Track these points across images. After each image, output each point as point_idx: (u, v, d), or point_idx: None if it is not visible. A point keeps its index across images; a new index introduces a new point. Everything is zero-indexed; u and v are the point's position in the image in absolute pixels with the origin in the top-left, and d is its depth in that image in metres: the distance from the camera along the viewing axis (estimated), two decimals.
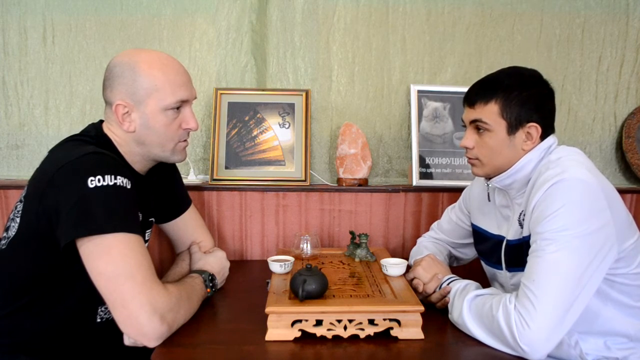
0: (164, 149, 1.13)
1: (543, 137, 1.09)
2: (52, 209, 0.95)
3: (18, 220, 1.04)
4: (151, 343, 0.94)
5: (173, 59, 1.14)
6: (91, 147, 1.03)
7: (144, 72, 1.06)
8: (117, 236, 0.93)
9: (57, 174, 0.96)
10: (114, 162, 1.01)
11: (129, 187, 0.98)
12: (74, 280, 1.03)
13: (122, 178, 0.97)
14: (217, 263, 1.28)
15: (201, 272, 1.20)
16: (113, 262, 0.92)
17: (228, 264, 1.33)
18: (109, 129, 1.12)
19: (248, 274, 1.49)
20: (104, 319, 1.13)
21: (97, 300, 0.97)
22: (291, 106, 1.76)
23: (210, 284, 1.19)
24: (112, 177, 0.95)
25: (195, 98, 1.17)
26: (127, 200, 0.98)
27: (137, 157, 1.14)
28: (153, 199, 1.25)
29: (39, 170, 1.05)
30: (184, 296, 1.04)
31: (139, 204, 1.09)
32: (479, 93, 1.10)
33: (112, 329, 1.02)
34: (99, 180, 0.93)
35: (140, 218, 1.15)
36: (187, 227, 1.39)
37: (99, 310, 1.12)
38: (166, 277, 1.23)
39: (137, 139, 1.10)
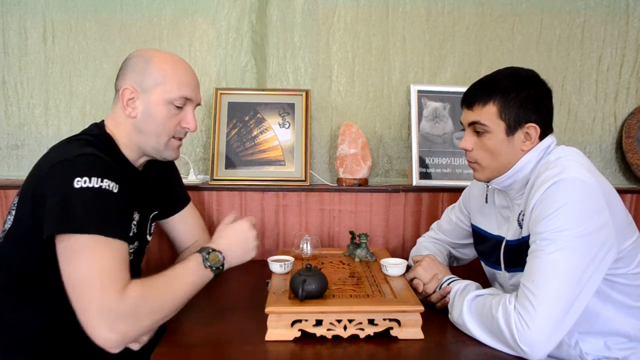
0: (159, 140, 1.14)
1: (542, 137, 1.09)
2: (40, 201, 0.97)
3: (14, 213, 1.07)
4: (111, 350, 0.90)
5: (187, 63, 1.18)
6: (89, 148, 1.04)
7: (156, 65, 1.11)
8: (92, 238, 0.92)
9: (49, 170, 0.98)
10: (106, 165, 1.02)
11: (115, 190, 0.98)
12: None
13: (109, 182, 0.97)
14: (234, 235, 1.12)
15: (203, 249, 1.07)
16: (79, 267, 0.91)
17: (252, 234, 1.14)
18: (110, 124, 1.14)
19: (248, 274, 1.48)
20: None
21: None
22: (291, 106, 1.76)
23: (211, 264, 1.03)
24: (99, 179, 0.96)
25: (199, 104, 1.20)
26: (110, 204, 0.97)
27: (134, 150, 1.15)
28: (152, 193, 1.26)
29: (36, 166, 1.07)
30: (153, 295, 0.94)
31: (135, 201, 1.12)
32: (476, 95, 1.10)
33: None
34: (84, 182, 0.94)
35: (137, 217, 1.15)
36: (187, 223, 1.39)
37: None
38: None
39: (137, 125, 1.12)
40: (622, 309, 1.07)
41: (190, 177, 1.73)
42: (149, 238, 1.29)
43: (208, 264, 1.03)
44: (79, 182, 0.94)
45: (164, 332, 1.03)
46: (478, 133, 1.11)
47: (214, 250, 1.05)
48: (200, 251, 1.04)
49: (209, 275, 1.03)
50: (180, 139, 1.19)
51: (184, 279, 1.00)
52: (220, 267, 1.05)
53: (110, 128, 1.14)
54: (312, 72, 1.80)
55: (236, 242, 1.11)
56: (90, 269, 0.90)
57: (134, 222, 1.15)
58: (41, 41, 1.75)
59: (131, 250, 1.17)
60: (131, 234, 1.14)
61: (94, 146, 1.06)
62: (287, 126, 1.75)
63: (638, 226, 1.10)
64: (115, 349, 0.90)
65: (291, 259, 1.26)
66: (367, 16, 1.80)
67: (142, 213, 1.19)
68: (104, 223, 0.94)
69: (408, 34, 1.81)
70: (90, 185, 0.95)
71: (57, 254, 0.94)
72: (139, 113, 1.11)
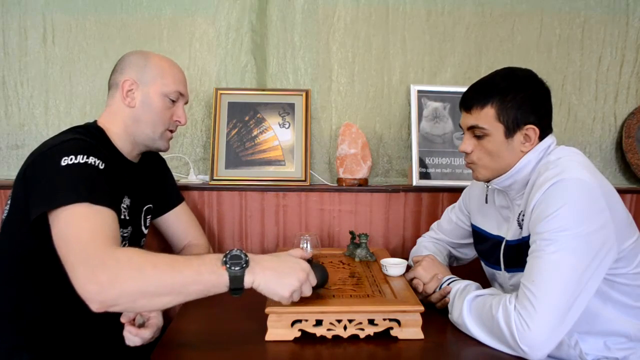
0: (155, 130, 1.21)
1: (541, 137, 1.09)
2: (31, 184, 1.00)
3: (9, 202, 1.10)
4: (92, 307, 0.85)
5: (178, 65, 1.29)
6: (77, 135, 1.08)
7: (155, 62, 1.22)
8: (81, 206, 0.93)
9: (39, 155, 1.03)
10: (92, 146, 1.06)
11: (101, 167, 1.02)
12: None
13: (95, 158, 1.02)
14: (279, 260, 0.93)
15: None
16: (69, 231, 0.91)
17: (301, 275, 0.91)
18: (104, 118, 1.20)
19: None
20: None
21: None
22: (291, 106, 1.76)
23: (228, 260, 0.86)
24: (84, 156, 1.00)
25: (187, 103, 1.30)
26: (97, 177, 1.00)
27: (126, 140, 1.20)
28: (145, 185, 1.29)
29: (30, 154, 1.10)
30: (144, 261, 0.86)
31: (125, 186, 1.16)
32: (474, 97, 1.10)
33: (111, 314, 1.03)
34: (71, 159, 0.98)
35: (128, 202, 1.19)
36: (181, 222, 1.43)
37: None
38: None
39: (135, 115, 1.19)
40: (622, 309, 1.07)
41: (190, 177, 1.73)
42: (144, 230, 1.32)
43: (225, 259, 0.86)
44: (66, 160, 0.98)
45: (164, 332, 1.03)
46: (477, 136, 1.11)
47: (241, 251, 0.88)
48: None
49: (222, 275, 0.85)
50: (172, 132, 1.28)
51: (191, 265, 0.86)
52: (239, 270, 0.85)
53: (103, 122, 1.21)
54: (312, 72, 1.80)
55: (276, 265, 0.90)
56: (80, 231, 0.90)
57: (125, 206, 1.18)
58: (41, 41, 1.75)
59: (125, 235, 1.20)
60: (122, 217, 1.16)
61: (83, 135, 1.10)
62: (287, 126, 1.75)
63: (638, 226, 1.10)
64: (94, 305, 0.83)
65: None
66: (367, 16, 1.80)
67: (134, 200, 1.22)
68: (91, 192, 0.95)
69: (408, 34, 1.81)
70: (77, 162, 0.98)
71: (51, 233, 0.94)
72: (138, 103, 1.19)
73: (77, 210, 0.92)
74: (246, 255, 0.88)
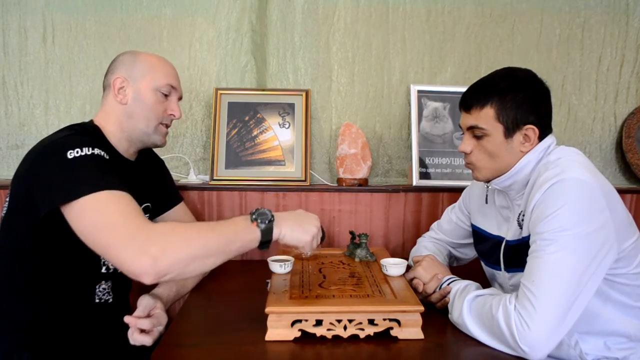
0: (149, 124, 1.21)
1: (541, 137, 1.09)
2: (34, 180, 1.00)
3: (8, 198, 1.10)
4: (146, 281, 0.87)
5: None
6: (75, 132, 1.09)
7: (144, 58, 1.22)
8: (102, 194, 0.93)
9: (40, 151, 1.03)
10: (93, 140, 1.07)
11: (107, 157, 1.03)
12: (66, 257, 1.05)
13: (100, 150, 1.03)
14: (296, 214, 1.09)
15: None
16: (97, 220, 0.92)
17: (316, 223, 1.07)
18: (99, 117, 1.21)
19: (248, 274, 1.49)
20: (102, 300, 1.15)
21: (93, 278, 0.99)
22: (291, 106, 1.76)
23: (257, 217, 0.98)
24: (89, 148, 1.01)
25: (181, 98, 1.29)
26: (105, 166, 1.01)
27: (122, 138, 1.20)
28: (143, 184, 1.29)
29: (25, 155, 1.10)
30: (185, 229, 0.94)
31: (126, 187, 1.15)
32: (474, 97, 1.10)
33: (111, 312, 1.03)
34: (77, 152, 0.99)
35: None
36: (180, 221, 1.41)
37: (97, 290, 1.14)
38: None
39: (128, 111, 1.19)
40: (622, 309, 1.07)
41: (190, 177, 1.73)
42: None
43: (254, 217, 0.97)
44: (72, 153, 0.98)
45: (164, 332, 1.03)
46: (477, 137, 1.11)
47: (264, 208, 1.00)
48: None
49: (254, 231, 0.96)
50: (167, 126, 1.27)
51: (226, 226, 0.97)
52: (268, 224, 0.97)
53: (99, 121, 1.21)
54: (312, 72, 1.80)
55: (295, 217, 1.05)
56: (113, 215, 0.91)
57: None
58: (41, 41, 1.75)
59: None
60: None
61: (81, 132, 1.11)
62: (287, 126, 1.75)
63: (638, 226, 1.10)
64: (149, 277, 0.86)
65: (291, 259, 1.25)
66: (367, 16, 1.80)
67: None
68: (108, 180, 0.96)
69: (408, 34, 1.81)
70: (83, 153, 0.99)
71: (69, 223, 0.94)
72: (130, 99, 1.19)
73: (101, 198, 0.93)
74: (270, 212, 0.99)
